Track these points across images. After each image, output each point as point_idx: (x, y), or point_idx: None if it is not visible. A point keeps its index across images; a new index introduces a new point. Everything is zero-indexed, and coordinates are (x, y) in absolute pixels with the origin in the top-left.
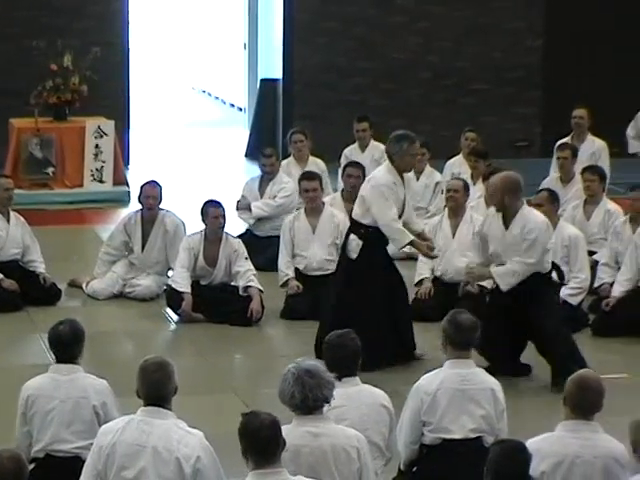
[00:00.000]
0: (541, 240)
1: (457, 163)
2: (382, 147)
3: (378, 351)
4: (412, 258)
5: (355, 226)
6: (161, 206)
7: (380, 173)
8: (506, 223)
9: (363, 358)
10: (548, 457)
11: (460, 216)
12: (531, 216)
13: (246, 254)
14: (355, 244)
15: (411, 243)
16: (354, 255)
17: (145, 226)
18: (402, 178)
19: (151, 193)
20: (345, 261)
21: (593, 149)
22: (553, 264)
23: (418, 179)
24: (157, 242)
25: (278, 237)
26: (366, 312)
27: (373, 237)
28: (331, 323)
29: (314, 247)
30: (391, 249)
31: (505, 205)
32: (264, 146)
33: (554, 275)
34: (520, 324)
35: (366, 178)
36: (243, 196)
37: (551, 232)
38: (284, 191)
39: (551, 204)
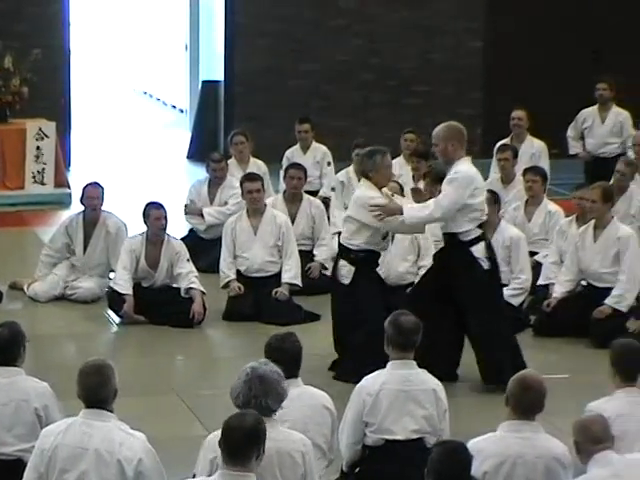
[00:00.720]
0: (456, 186)
1: (398, 165)
2: (324, 148)
3: None
4: None
5: (344, 251)
6: (103, 208)
7: (362, 190)
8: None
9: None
10: (490, 457)
11: None
12: (464, 167)
13: (188, 256)
14: (347, 270)
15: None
16: (347, 280)
17: (87, 228)
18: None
19: (94, 194)
20: (339, 287)
21: (532, 150)
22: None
23: (359, 180)
24: (99, 244)
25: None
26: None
27: (363, 260)
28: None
29: (256, 248)
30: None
31: (448, 153)
32: (210, 150)
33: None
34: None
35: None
36: (192, 200)
37: (471, 189)
38: (235, 197)
39: (493, 205)
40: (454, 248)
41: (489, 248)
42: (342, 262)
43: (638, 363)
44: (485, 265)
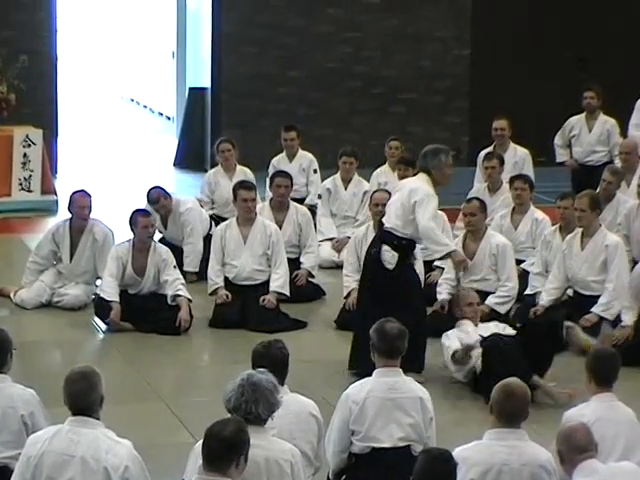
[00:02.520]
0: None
1: (383, 172)
2: (310, 156)
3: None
4: (339, 267)
5: (389, 237)
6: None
7: (419, 183)
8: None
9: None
10: (476, 465)
11: None
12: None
13: (174, 263)
14: (390, 255)
15: (449, 254)
16: (390, 266)
17: (73, 235)
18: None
19: (84, 203)
20: (381, 273)
21: (516, 158)
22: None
23: (346, 188)
24: (86, 251)
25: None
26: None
27: (408, 248)
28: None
29: (244, 257)
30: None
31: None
32: (197, 157)
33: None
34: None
35: (406, 188)
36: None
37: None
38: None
39: (482, 213)
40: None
41: None
42: (385, 247)
43: (613, 369)
44: None
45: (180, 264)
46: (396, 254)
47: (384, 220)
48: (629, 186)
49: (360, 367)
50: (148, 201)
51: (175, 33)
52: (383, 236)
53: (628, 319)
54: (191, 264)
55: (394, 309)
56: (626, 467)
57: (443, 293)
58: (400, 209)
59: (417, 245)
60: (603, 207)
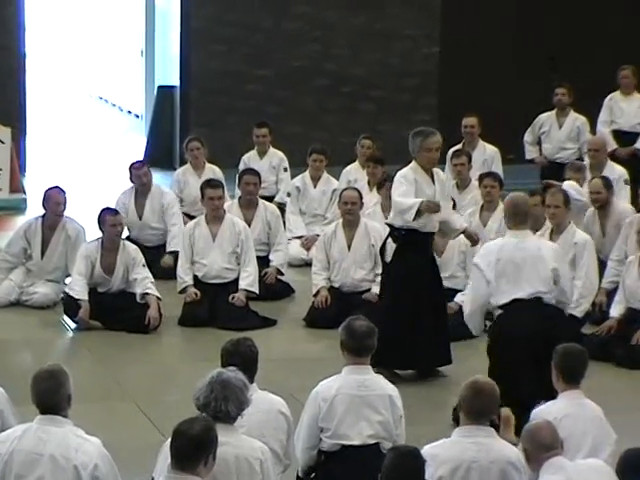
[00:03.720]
0: None
1: (353, 170)
2: (280, 154)
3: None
4: (308, 264)
5: (390, 229)
6: None
7: (403, 170)
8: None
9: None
10: (445, 463)
11: (355, 227)
12: None
13: (144, 261)
14: (390, 247)
15: (419, 209)
16: (388, 258)
17: (45, 232)
18: (431, 176)
19: (60, 200)
20: (384, 265)
21: (485, 156)
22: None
23: (315, 186)
24: (58, 248)
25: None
26: (390, 314)
27: (405, 240)
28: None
29: (214, 255)
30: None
31: None
32: (166, 155)
33: None
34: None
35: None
36: None
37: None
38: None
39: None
40: None
41: None
42: (389, 239)
43: (580, 366)
44: None
45: (149, 262)
46: (394, 245)
47: None
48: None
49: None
50: (132, 168)
51: (144, 31)
52: (389, 230)
53: (615, 312)
54: (179, 244)
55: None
56: (593, 464)
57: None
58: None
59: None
60: None
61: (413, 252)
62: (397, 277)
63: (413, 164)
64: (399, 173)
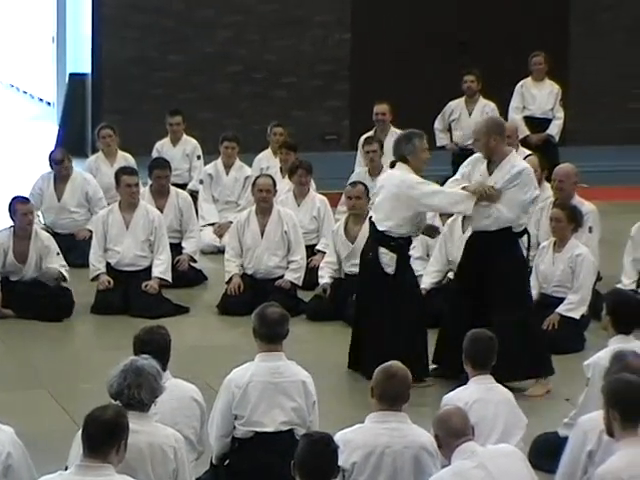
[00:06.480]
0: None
1: (265, 157)
2: (194, 142)
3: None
4: (221, 252)
5: (384, 239)
6: None
7: (401, 173)
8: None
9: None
10: (359, 448)
11: (269, 214)
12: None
13: (58, 250)
14: (388, 258)
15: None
16: (390, 270)
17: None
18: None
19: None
20: (381, 277)
21: None
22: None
23: (228, 173)
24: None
25: None
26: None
27: (405, 248)
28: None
29: (127, 242)
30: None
31: (490, 149)
32: (78, 143)
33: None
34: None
35: (391, 184)
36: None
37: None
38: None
39: (366, 197)
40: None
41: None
42: (382, 249)
43: (489, 351)
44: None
45: (64, 250)
46: (394, 255)
47: (375, 222)
48: None
49: (361, 369)
50: (52, 161)
51: (55, 17)
52: (379, 238)
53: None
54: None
55: (395, 312)
56: (504, 449)
57: (325, 277)
58: (391, 206)
59: (413, 240)
60: None
61: (408, 256)
62: (412, 285)
63: (406, 167)
64: (409, 177)
